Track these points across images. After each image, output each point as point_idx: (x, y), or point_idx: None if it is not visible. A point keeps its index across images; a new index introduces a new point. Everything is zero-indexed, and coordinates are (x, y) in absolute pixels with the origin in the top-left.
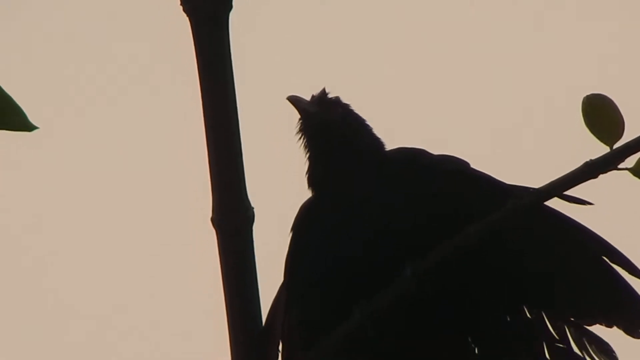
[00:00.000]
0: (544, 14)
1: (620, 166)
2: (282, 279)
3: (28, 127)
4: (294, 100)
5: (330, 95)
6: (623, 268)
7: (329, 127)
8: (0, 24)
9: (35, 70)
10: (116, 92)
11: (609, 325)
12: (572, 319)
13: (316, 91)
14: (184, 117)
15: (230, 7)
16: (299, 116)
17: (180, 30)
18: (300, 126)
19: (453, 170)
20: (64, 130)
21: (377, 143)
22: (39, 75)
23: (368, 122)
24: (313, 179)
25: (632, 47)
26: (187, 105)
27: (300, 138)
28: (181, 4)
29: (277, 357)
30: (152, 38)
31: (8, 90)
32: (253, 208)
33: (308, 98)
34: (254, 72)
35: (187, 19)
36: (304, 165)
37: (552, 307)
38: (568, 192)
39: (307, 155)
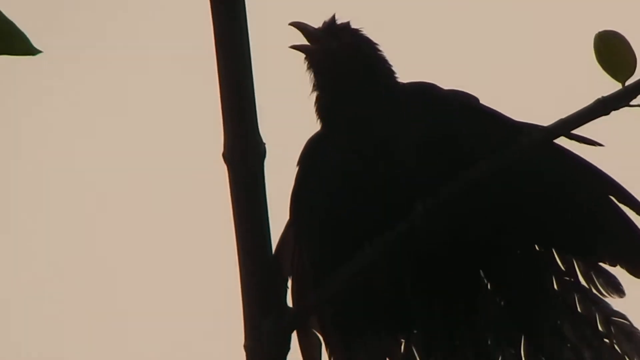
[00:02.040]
0: None
1: (632, 103)
2: (288, 216)
3: (32, 51)
4: (301, 27)
5: (340, 21)
6: (630, 207)
7: (337, 56)
8: None
9: None
10: (131, 26)
11: (613, 264)
12: (577, 256)
13: (326, 18)
14: (198, 53)
15: None
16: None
17: None
18: (308, 56)
19: (464, 105)
20: (68, 56)
21: (389, 73)
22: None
23: (380, 49)
24: (321, 111)
25: None
26: (200, 41)
27: (308, 68)
28: None
29: (286, 294)
30: None
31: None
32: (265, 144)
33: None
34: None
35: None
36: (313, 96)
37: (558, 244)
38: (580, 129)
39: (316, 86)
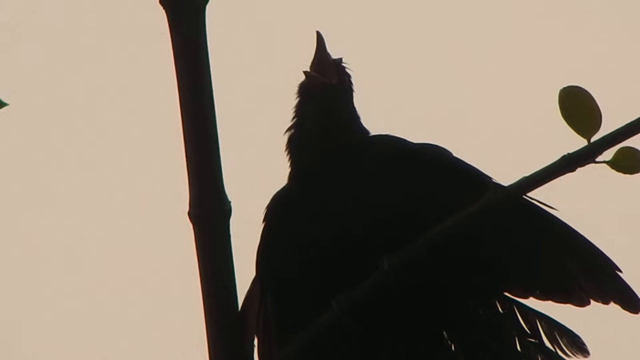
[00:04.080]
0: (519, 11)
1: (598, 159)
2: (254, 271)
3: None
4: (320, 39)
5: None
6: (605, 265)
7: (330, 97)
8: None
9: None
10: (95, 82)
11: (605, 302)
12: (538, 296)
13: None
14: (162, 112)
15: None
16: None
17: (156, 22)
18: (300, 89)
19: (432, 160)
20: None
21: (363, 128)
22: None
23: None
24: (294, 150)
25: (606, 41)
26: (165, 100)
27: (300, 90)
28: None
29: (253, 350)
30: (130, 29)
31: None
32: (230, 202)
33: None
34: (229, 63)
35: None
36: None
37: (522, 285)
38: (544, 187)
39: (294, 122)
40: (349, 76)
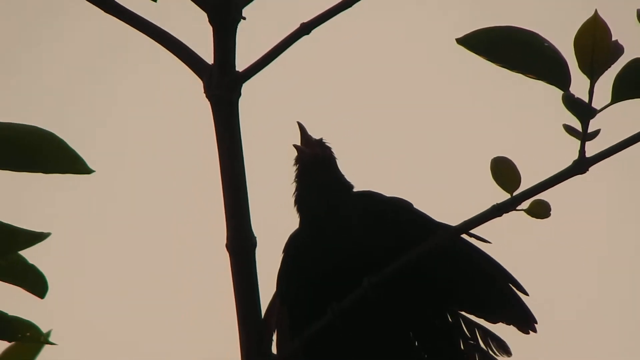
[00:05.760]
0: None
1: (518, 208)
2: (275, 288)
3: (87, 170)
4: (302, 128)
5: (325, 142)
6: (514, 286)
7: (321, 161)
8: None
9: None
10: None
11: (508, 323)
12: (481, 318)
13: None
14: (207, 174)
15: (240, 95)
16: (294, 159)
17: (202, 109)
18: (298, 156)
19: (400, 207)
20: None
21: (348, 184)
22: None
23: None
24: (297, 205)
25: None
26: (210, 164)
27: (295, 164)
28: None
29: (271, 345)
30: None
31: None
32: (256, 237)
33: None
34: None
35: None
36: (293, 197)
37: (468, 309)
38: (479, 228)
39: (296, 180)
40: (329, 149)
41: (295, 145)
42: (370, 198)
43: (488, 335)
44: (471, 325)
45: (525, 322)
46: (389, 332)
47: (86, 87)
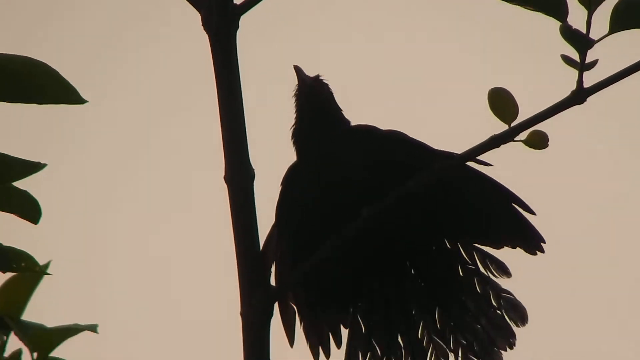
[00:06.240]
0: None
1: (516, 139)
2: (273, 220)
3: (80, 101)
4: (298, 69)
5: (321, 78)
6: (519, 206)
7: (317, 97)
8: None
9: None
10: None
11: (513, 247)
12: (486, 245)
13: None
14: (205, 108)
15: (237, 27)
16: (295, 85)
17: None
18: (296, 91)
19: (399, 139)
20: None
21: (345, 118)
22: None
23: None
24: (295, 139)
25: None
26: (209, 101)
27: (294, 101)
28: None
29: (270, 276)
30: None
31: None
32: (254, 170)
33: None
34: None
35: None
36: (292, 126)
37: (470, 236)
38: (479, 157)
39: (296, 116)
40: (327, 85)
41: (295, 67)
42: (368, 131)
43: (487, 257)
44: (469, 248)
45: (532, 242)
46: (387, 261)
47: (81, 19)
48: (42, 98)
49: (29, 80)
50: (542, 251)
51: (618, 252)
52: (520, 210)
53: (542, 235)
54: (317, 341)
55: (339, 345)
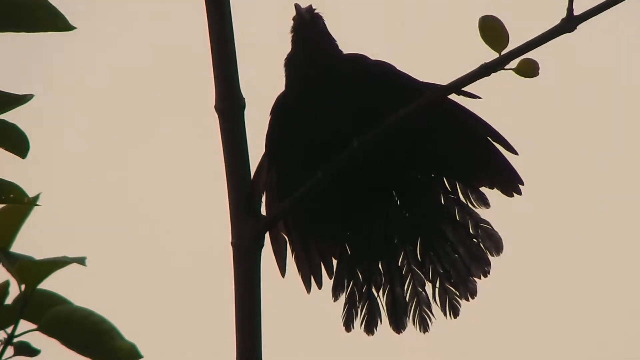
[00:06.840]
0: None
1: (507, 67)
2: (264, 149)
3: (68, 27)
4: (298, 6)
5: (316, 11)
6: (502, 146)
7: (313, 28)
8: None
9: None
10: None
11: (491, 187)
12: (464, 182)
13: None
14: (195, 34)
15: None
16: (291, 20)
17: None
18: (295, 25)
19: (385, 69)
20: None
21: (337, 48)
22: None
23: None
24: (289, 67)
25: None
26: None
27: (291, 33)
28: None
29: (261, 205)
30: None
31: None
32: (244, 98)
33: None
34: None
35: None
36: (286, 57)
37: (450, 172)
38: (468, 88)
39: (292, 47)
40: (321, 16)
41: (295, 5)
42: (358, 61)
43: (468, 188)
44: (452, 179)
45: (510, 184)
46: (374, 191)
47: None
48: (31, 26)
49: (17, 8)
50: (520, 193)
51: (609, 188)
52: (502, 149)
53: (521, 177)
54: (309, 271)
55: (330, 275)
